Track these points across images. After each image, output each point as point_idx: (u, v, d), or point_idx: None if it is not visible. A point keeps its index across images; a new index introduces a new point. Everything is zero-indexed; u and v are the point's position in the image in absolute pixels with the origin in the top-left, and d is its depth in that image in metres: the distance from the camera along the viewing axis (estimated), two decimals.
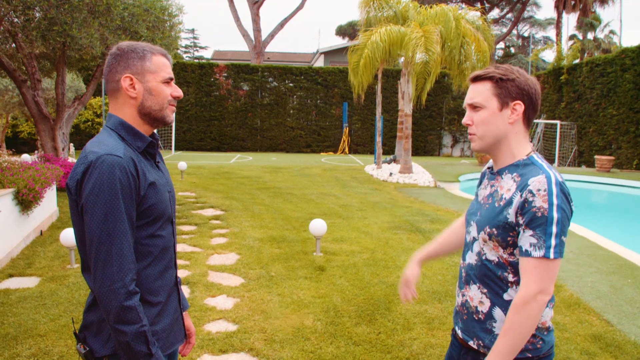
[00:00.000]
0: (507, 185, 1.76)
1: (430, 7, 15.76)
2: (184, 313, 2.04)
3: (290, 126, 28.05)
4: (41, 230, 7.30)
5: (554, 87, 24.35)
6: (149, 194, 1.69)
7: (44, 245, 6.68)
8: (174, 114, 1.84)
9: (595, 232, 8.12)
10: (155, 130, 1.87)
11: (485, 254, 1.80)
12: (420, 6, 16.36)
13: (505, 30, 44.68)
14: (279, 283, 5.31)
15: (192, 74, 26.81)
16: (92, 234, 1.58)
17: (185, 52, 48.06)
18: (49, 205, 7.94)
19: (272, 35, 34.18)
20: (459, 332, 1.94)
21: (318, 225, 6.36)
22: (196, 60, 33.64)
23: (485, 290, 1.81)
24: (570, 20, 55.32)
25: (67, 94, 15.62)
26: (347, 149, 27.46)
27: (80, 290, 4.97)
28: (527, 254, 1.64)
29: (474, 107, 1.81)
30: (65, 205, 9.07)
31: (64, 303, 4.66)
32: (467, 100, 1.83)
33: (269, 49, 40.02)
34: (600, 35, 35.64)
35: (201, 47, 50.70)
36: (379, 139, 18.26)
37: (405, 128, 16.15)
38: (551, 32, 46.56)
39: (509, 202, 1.70)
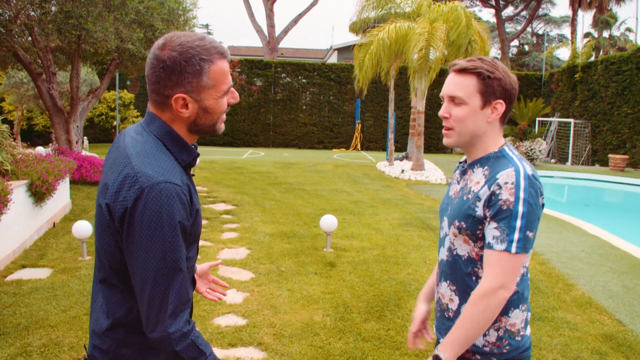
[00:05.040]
0: (477, 179, 1.73)
1: (444, 4, 15.63)
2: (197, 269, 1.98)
3: (303, 122, 28.03)
4: (54, 222, 7.36)
5: (568, 85, 24.12)
6: (196, 220, 1.52)
7: (57, 237, 6.74)
8: (224, 124, 1.60)
9: (608, 231, 8.04)
10: None
11: (456, 249, 1.76)
12: (434, 3, 16.24)
13: (519, 27, 44.30)
14: (288, 278, 5.32)
15: None
16: (147, 273, 1.40)
17: None
18: (62, 197, 8.01)
19: (285, 31, 34.15)
20: (434, 328, 1.92)
21: (329, 221, 6.36)
22: None
23: (454, 288, 1.78)
24: (585, 18, 54.71)
25: (82, 88, 15.74)
26: (359, 146, 27.40)
27: (92, 283, 5.00)
28: (489, 246, 1.61)
29: (454, 101, 1.73)
30: (79, 197, 9.14)
31: (75, 294, 4.70)
32: (448, 91, 1.74)
33: (283, 44, 40.01)
34: (616, 33, 35.25)
35: None
36: (391, 136, 18.21)
37: (418, 125, 16.08)
38: (566, 30, 46.14)
39: (477, 196, 1.67)
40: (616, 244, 7.17)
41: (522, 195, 1.58)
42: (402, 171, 15.45)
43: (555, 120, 23.87)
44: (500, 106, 1.71)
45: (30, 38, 9.68)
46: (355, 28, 17.87)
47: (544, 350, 3.88)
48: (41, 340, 3.80)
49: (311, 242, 6.77)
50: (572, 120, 22.62)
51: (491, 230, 1.61)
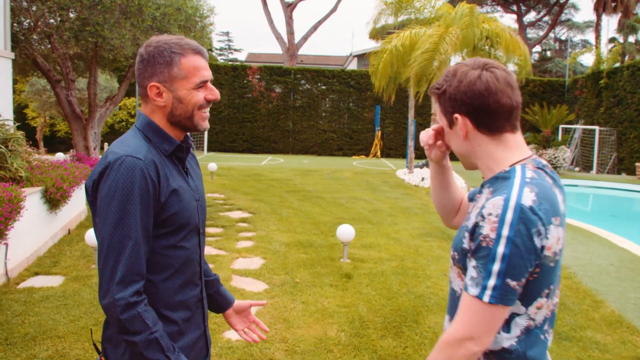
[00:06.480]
0: (480, 203, 1.42)
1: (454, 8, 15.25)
2: (236, 302, 1.99)
3: (322, 129, 27.93)
4: (69, 229, 7.32)
5: (593, 91, 23.66)
6: (171, 201, 1.56)
7: (71, 244, 6.68)
8: (207, 121, 1.68)
9: (637, 244, 7.73)
10: (188, 134, 1.75)
11: (452, 281, 1.52)
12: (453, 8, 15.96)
13: (542, 33, 43.76)
14: (303, 290, 5.15)
15: (225, 76, 26.93)
16: (102, 240, 1.47)
17: (220, 55, 48.51)
18: (78, 204, 7.96)
19: (305, 38, 34.18)
20: None
21: (345, 231, 6.19)
22: (230, 63, 33.85)
23: None
24: (610, 23, 53.91)
25: (102, 94, 15.84)
26: (379, 153, 27.19)
27: None
28: (465, 287, 1.34)
29: None
30: None
31: (85, 304, 4.61)
32: None
33: (302, 51, 40.05)
34: None
35: (235, 50, 51.11)
36: (411, 143, 17.99)
37: None
38: (590, 35, 45.39)
39: (467, 226, 1.40)
40: None
41: (505, 232, 1.26)
42: (422, 179, 15.21)
43: (579, 127, 23.41)
44: (458, 120, 1.45)
45: (49, 45, 9.73)
46: (374, 34, 17.69)
47: None
48: (47, 351, 3.71)
49: (328, 252, 6.60)
50: (597, 128, 22.15)
51: (471, 269, 1.34)
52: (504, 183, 1.37)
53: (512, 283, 1.27)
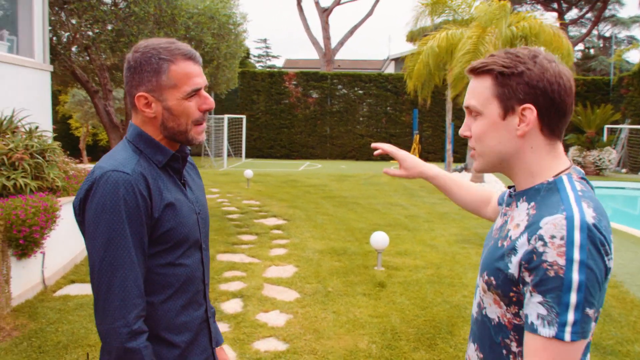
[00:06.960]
0: (519, 219, 1.24)
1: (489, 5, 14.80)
2: (217, 349, 1.80)
3: (360, 134, 27.80)
4: None
5: None
6: (166, 216, 1.46)
7: None
8: (203, 134, 1.55)
9: None
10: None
11: (485, 307, 1.31)
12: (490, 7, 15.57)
13: (584, 31, 42.53)
14: (335, 299, 5.05)
15: (262, 83, 27.13)
16: (93, 263, 1.38)
17: (258, 62, 49.03)
18: None
19: (341, 43, 34.15)
20: None
21: (379, 239, 6.06)
22: (268, 69, 34.12)
23: (481, 356, 1.33)
24: None
25: None
26: (417, 157, 26.87)
27: None
28: (532, 328, 1.12)
29: (472, 113, 1.31)
30: None
31: None
32: (464, 102, 1.33)
33: (339, 56, 40.05)
34: None
35: (273, 56, 51.60)
36: (449, 147, 17.70)
37: None
38: (636, 31, 43.99)
39: (513, 247, 1.19)
40: None
41: (576, 256, 1.07)
42: None
43: (626, 127, 22.57)
44: (530, 112, 1.22)
45: (87, 57, 9.97)
46: (412, 37, 17.48)
47: None
48: None
49: (362, 260, 6.48)
50: None
51: (534, 306, 1.11)
52: (551, 197, 1.20)
53: (591, 311, 1.10)
